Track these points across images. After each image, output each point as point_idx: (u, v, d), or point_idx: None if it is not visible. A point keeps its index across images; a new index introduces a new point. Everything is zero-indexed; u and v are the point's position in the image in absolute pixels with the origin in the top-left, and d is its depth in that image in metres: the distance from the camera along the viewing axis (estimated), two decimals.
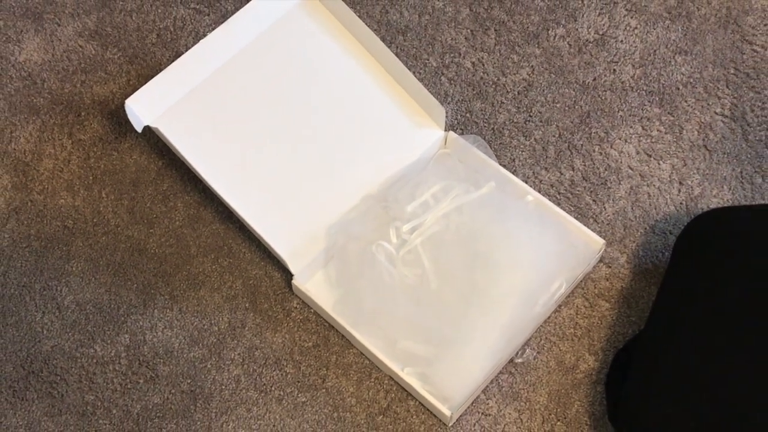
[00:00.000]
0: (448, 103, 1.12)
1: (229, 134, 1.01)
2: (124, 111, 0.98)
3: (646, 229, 1.03)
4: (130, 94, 0.99)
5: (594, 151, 1.09)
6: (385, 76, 1.06)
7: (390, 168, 1.03)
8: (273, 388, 0.95)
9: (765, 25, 1.15)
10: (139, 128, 0.98)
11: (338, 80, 1.06)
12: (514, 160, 1.08)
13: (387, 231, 0.99)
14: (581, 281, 1.00)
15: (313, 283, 0.99)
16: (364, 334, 0.95)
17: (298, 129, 1.03)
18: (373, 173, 1.02)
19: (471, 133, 1.09)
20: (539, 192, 1.04)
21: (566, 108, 1.11)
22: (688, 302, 0.87)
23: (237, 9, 1.09)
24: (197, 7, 1.18)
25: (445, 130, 1.06)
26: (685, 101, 1.11)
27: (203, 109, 1.01)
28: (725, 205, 1.04)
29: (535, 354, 0.96)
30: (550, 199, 1.03)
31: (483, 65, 1.14)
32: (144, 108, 0.98)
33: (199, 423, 0.93)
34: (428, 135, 1.06)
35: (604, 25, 1.16)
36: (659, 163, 1.08)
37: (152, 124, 0.98)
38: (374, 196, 1.01)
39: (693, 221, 0.94)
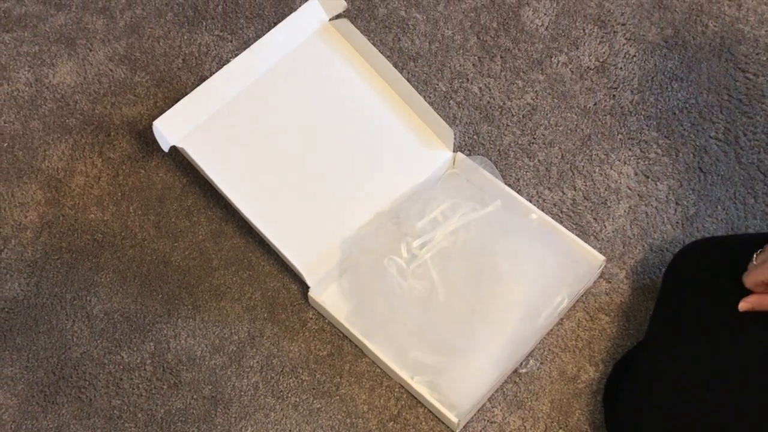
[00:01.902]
0: (457, 126, 1.13)
1: (250, 154, 1.02)
2: (152, 131, 0.99)
3: (644, 246, 1.04)
4: (157, 116, 1.00)
5: (595, 172, 1.09)
6: (397, 100, 1.07)
7: (401, 186, 1.04)
8: (290, 395, 0.96)
9: (757, 54, 1.17)
10: (165, 148, 0.99)
11: (353, 103, 1.07)
12: (518, 180, 1.09)
13: (398, 246, 0.99)
14: (582, 295, 1.01)
15: (328, 294, 1.00)
16: (376, 344, 0.96)
17: (314, 149, 1.04)
18: (386, 191, 1.03)
19: (478, 154, 1.10)
20: (543, 210, 1.05)
21: (568, 131, 1.12)
22: (681, 320, 0.88)
23: (258, 36, 1.10)
24: (221, 34, 1.20)
25: (454, 151, 1.07)
26: (681, 125, 1.12)
27: (226, 131, 1.02)
28: (720, 223, 1.05)
29: (538, 364, 0.97)
30: (553, 218, 1.04)
31: (489, 90, 1.16)
32: (171, 129, 0.99)
33: (219, 427, 0.94)
34: (437, 156, 1.06)
35: (604, 53, 1.18)
36: (656, 184, 1.08)
37: (178, 144, 0.99)
38: (386, 213, 1.02)
39: (687, 246, 0.95)
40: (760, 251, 0.83)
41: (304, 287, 1.00)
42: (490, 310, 0.95)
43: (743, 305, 0.82)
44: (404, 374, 0.94)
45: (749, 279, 0.82)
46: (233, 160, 1.01)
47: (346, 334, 0.99)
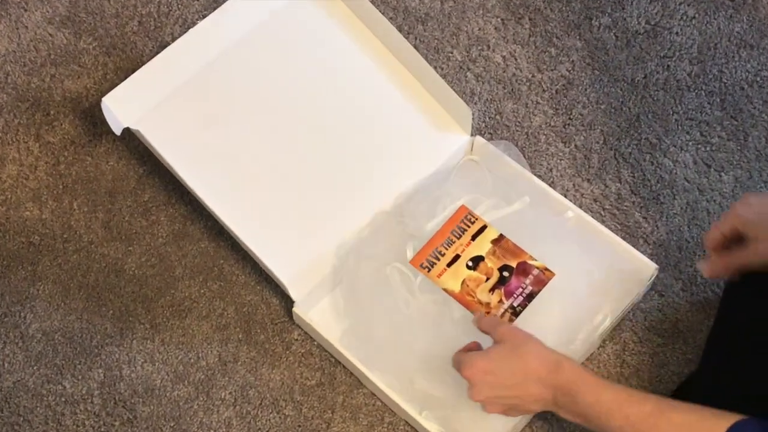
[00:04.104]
0: (475, 104, 1.13)
1: (221, 138, 1.02)
2: (100, 110, 0.99)
3: (705, 252, 1.03)
4: (108, 91, 1.00)
5: (644, 160, 1.09)
6: (402, 72, 1.07)
7: (407, 178, 1.04)
8: None
9: None
10: (117, 130, 0.99)
11: (348, 76, 1.07)
12: (551, 169, 1.09)
13: (403, 251, 0.99)
14: (629, 312, 1.01)
15: (317, 311, 1.00)
16: (376, 372, 0.96)
17: (301, 133, 1.04)
18: (388, 185, 1.03)
19: (501, 138, 1.10)
20: (580, 207, 1.05)
21: (612, 110, 1.13)
22: (741, 345, 0.88)
23: None
24: None
25: (472, 135, 1.07)
26: (751, 103, 1.12)
27: (191, 109, 1.02)
28: None
29: None
30: (593, 216, 1.04)
31: (515, 59, 1.15)
32: (123, 107, 0.99)
33: None
34: (452, 140, 1.06)
35: (656, 13, 1.18)
36: (720, 175, 1.08)
37: (132, 126, 0.99)
38: (389, 212, 1.02)
39: None
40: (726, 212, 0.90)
41: (288, 302, 1.00)
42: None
43: (705, 271, 0.90)
44: (410, 408, 0.94)
45: (708, 238, 0.89)
46: (200, 146, 1.01)
47: (340, 359, 0.99)
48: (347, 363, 0.98)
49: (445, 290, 0.97)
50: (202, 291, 1.03)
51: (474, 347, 0.90)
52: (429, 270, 0.98)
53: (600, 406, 0.78)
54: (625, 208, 1.07)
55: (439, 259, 0.98)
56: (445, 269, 0.97)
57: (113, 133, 0.99)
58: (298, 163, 1.03)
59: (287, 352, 1.00)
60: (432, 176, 1.05)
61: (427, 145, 1.06)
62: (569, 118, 1.12)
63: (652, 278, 1.00)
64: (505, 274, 0.97)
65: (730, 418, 0.72)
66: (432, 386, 0.95)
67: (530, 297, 0.96)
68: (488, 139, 1.08)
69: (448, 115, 1.06)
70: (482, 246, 0.99)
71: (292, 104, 1.05)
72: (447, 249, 0.98)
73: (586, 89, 1.14)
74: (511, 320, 0.95)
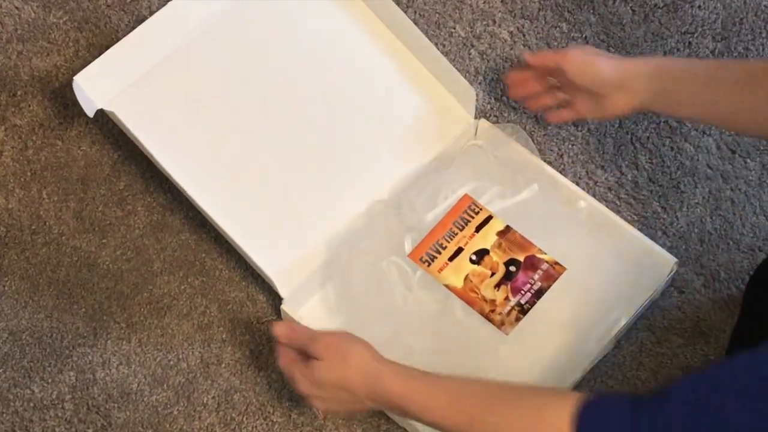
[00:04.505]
0: (479, 84, 1.12)
1: (203, 121, 1.02)
2: (72, 90, 0.98)
3: (728, 244, 1.04)
4: (80, 69, 0.99)
5: (664, 145, 1.09)
6: (399, 50, 1.07)
7: (405, 165, 1.04)
8: None
9: None
10: (90, 112, 0.98)
11: (341, 53, 1.06)
12: (562, 155, 1.09)
13: (401, 244, 1.00)
14: (647, 310, 1.01)
15: (307, 309, 1.00)
16: None
17: (291, 115, 1.03)
18: (385, 172, 1.03)
19: (508, 122, 1.10)
20: (594, 196, 1.05)
21: None
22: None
23: None
24: None
25: (476, 118, 1.07)
26: None
27: (171, 89, 1.02)
28: None
29: None
30: (607, 206, 1.04)
31: (524, 36, 1.15)
32: (97, 86, 0.99)
33: None
34: (454, 123, 1.06)
35: None
36: (746, 161, 1.08)
37: (107, 107, 0.99)
38: (386, 201, 1.02)
39: None
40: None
41: (276, 299, 0.99)
42: (523, 330, 0.96)
43: (512, 87, 1.03)
44: None
45: (537, 55, 0.99)
46: (180, 129, 1.01)
47: None
48: None
49: (447, 286, 0.97)
50: (183, 287, 1.03)
51: (289, 355, 0.88)
52: (429, 264, 0.98)
53: (433, 411, 0.79)
54: (642, 197, 1.07)
55: (440, 253, 0.98)
56: (447, 264, 0.98)
57: (86, 115, 0.99)
58: (288, 148, 1.02)
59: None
60: (432, 163, 1.04)
61: (427, 129, 1.06)
62: None
63: (672, 273, 1.00)
64: (512, 268, 0.98)
65: (574, 396, 0.71)
66: None
67: (539, 293, 0.96)
68: (494, 122, 1.07)
69: (450, 96, 1.06)
70: (487, 238, 0.99)
71: (280, 84, 1.04)
72: (449, 242, 0.98)
73: None
74: (518, 319, 0.95)
